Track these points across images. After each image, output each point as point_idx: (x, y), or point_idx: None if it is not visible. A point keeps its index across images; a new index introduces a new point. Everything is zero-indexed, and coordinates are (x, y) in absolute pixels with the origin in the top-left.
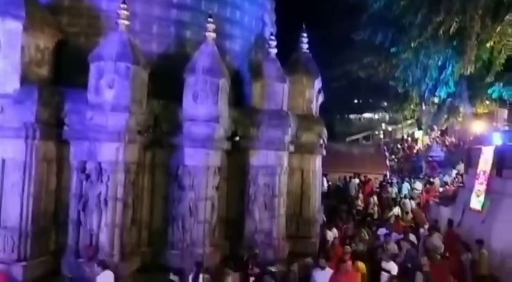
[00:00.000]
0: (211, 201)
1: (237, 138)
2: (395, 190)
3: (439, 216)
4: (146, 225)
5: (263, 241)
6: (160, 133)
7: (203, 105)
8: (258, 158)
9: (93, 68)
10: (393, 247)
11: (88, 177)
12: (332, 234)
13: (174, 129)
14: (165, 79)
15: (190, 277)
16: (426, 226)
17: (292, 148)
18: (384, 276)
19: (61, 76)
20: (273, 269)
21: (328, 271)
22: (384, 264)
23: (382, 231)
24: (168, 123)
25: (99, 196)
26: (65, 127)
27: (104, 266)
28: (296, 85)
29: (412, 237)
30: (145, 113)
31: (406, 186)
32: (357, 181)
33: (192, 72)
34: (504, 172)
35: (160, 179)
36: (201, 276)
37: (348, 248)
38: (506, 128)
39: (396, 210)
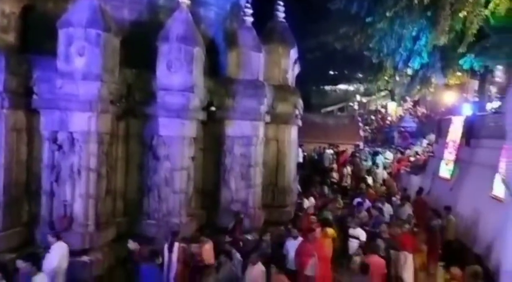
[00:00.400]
0: (187, 171)
1: (213, 108)
2: (369, 163)
3: (410, 185)
4: (121, 195)
5: (239, 211)
6: (133, 103)
7: (177, 75)
8: (234, 128)
9: (62, 35)
10: (364, 215)
11: (60, 147)
12: (309, 203)
13: (148, 99)
14: (137, 48)
15: (166, 246)
16: (398, 196)
17: (268, 118)
18: (353, 242)
19: (29, 43)
20: (249, 237)
21: (300, 240)
22: (351, 231)
23: (356, 200)
24: (141, 92)
25: (71, 166)
26: (34, 96)
27: (58, 237)
28: (271, 55)
29: (386, 206)
30: (117, 83)
31: (380, 158)
32: (331, 151)
33: (166, 40)
34: (472, 141)
35: (135, 149)
36: (176, 244)
37: (313, 218)
38: (476, 99)
39: (369, 180)
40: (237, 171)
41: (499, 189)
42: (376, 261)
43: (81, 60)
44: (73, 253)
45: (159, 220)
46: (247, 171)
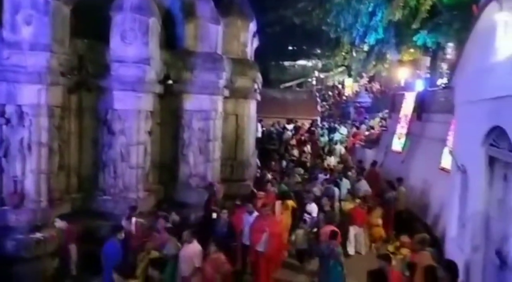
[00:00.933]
0: (144, 145)
1: (170, 81)
2: (326, 138)
3: (364, 158)
4: (75, 171)
5: (198, 185)
6: (86, 75)
7: (132, 46)
8: (192, 102)
9: (7, 2)
10: (318, 189)
11: (8, 121)
12: (271, 176)
13: (102, 71)
14: (89, 17)
15: (123, 221)
16: (354, 170)
17: (226, 93)
18: (307, 218)
19: None
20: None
21: (255, 216)
22: (307, 207)
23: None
24: (94, 64)
25: (21, 141)
26: None
27: None
28: (230, 28)
29: (344, 181)
30: (68, 54)
31: (337, 135)
32: (291, 127)
33: (120, 10)
34: (423, 116)
35: (89, 124)
36: (133, 219)
37: (261, 193)
38: (428, 75)
39: (332, 160)
40: (196, 145)
41: (447, 161)
42: (329, 228)
43: (29, 30)
44: (25, 230)
45: (116, 195)
46: (206, 145)
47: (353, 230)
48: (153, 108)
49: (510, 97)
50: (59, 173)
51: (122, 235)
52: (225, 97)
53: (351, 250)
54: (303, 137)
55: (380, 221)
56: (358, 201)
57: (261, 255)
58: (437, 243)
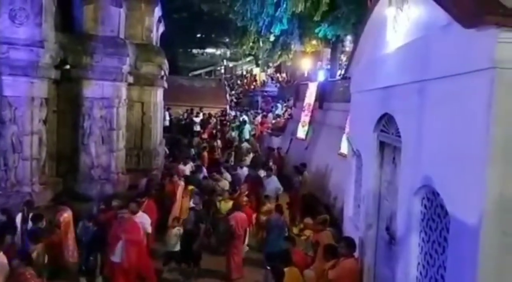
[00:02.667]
0: (38, 135)
1: (67, 67)
2: (235, 133)
3: (271, 145)
4: None
5: (101, 176)
6: None
7: (23, 27)
8: (92, 89)
9: None
10: (224, 184)
11: None
12: (185, 168)
13: None
14: None
15: (19, 217)
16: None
17: (131, 79)
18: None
19: None
20: (114, 203)
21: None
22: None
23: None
24: None
25: None
26: None
27: None
28: (134, 11)
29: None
30: None
31: (247, 128)
32: (200, 117)
33: None
34: (324, 105)
35: None
36: (31, 215)
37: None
38: (328, 66)
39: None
40: (97, 134)
41: (345, 147)
42: (240, 216)
43: None
44: None
45: (7, 190)
46: (109, 134)
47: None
48: (49, 95)
49: (397, 87)
50: None
51: (43, 223)
52: (130, 84)
53: None
54: (214, 131)
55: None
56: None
57: (117, 267)
58: (336, 223)
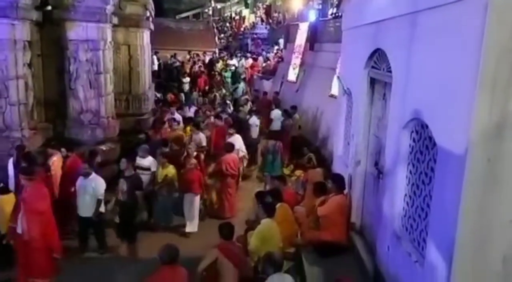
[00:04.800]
0: (24, 80)
1: (49, 8)
2: (229, 90)
3: (262, 89)
4: None
5: (91, 121)
6: None
7: None
8: (76, 31)
9: None
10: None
11: None
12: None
13: None
14: None
15: (11, 162)
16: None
17: (115, 20)
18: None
19: None
20: (104, 147)
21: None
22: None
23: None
24: None
25: None
26: None
27: None
28: None
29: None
30: None
31: (241, 87)
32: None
33: None
34: (315, 46)
35: None
36: (22, 155)
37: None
38: (320, 6)
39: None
40: (85, 78)
41: (336, 89)
42: (231, 157)
43: None
44: None
45: None
46: (96, 78)
47: None
48: (32, 38)
49: (388, 20)
50: None
51: None
52: (115, 26)
53: None
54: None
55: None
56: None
57: (21, 240)
58: (326, 164)
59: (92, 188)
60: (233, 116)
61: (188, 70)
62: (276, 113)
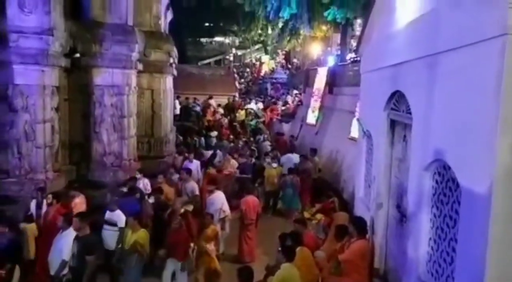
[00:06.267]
0: (51, 123)
1: (77, 55)
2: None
3: (281, 132)
4: None
5: (113, 163)
6: None
7: (32, 15)
8: (103, 77)
9: None
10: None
11: None
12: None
13: None
14: None
15: (33, 203)
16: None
17: (140, 67)
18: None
19: None
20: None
21: None
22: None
23: None
24: None
25: None
26: None
27: None
28: None
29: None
30: None
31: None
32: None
33: None
34: (334, 89)
35: None
36: (45, 201)
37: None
38: (338, 52)
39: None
40: (109, 122)
41: (355, 131)
42: (252, 200)
43: None
44: None
45: (22, 177)
46: (120, 122)
47: None
48: (60, 83)
49: (408, 63)
50: None
51: None
52: (139, 72)
53: None
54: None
55: None
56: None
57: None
58: (347, 207)
59: (61, 245)
60: (256, 165)
61: (210, 117)
62: (286, 158)
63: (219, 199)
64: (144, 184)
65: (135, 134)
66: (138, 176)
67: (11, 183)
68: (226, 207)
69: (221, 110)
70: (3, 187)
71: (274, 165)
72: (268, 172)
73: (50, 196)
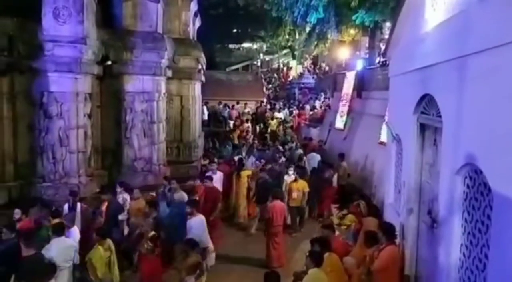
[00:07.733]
0: (84, 129)
1: (109, 62)
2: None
3: (309, 136)
4: (11, 158)
5: (144, 168)
6: (17, 56)
7: (66, 25)
8: (133, 84)
9: None
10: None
11: None
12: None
13: (35, 52)
14: None
15: (66, 207)
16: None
17: (169, 73)
18: None
19: None
20: (154, 194)
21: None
22: None
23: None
24: (26, 45)
25: None
26: None
27: None
28: (171, 7)
29: None
30: None
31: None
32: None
33: None
34: (363, 94)
35: (23, 108)
36: (78, 205)
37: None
38: (367, 56)
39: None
40: (139, 127)
41: (385, 136)
42: (279, 205)
43: None
44: None
45: (56, 181)
46: (150, 127)
47: None
48: (92, 90)
49: (437, 65)
50: None
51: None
52: (169, 78)
53: None
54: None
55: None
56: None
57: None
58: (377, 213)
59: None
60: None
61: (236, 123)
62: (311, 156)
63: (199, 226)
64: (123, 198)
65: (164, 140)
66: (119, 189)
67: (46, 187)
68: (206, 236)
69: (248, 117)
70: (38, 191)
71: (293, 176)
72: (290, 186)
73: (17, 210)
